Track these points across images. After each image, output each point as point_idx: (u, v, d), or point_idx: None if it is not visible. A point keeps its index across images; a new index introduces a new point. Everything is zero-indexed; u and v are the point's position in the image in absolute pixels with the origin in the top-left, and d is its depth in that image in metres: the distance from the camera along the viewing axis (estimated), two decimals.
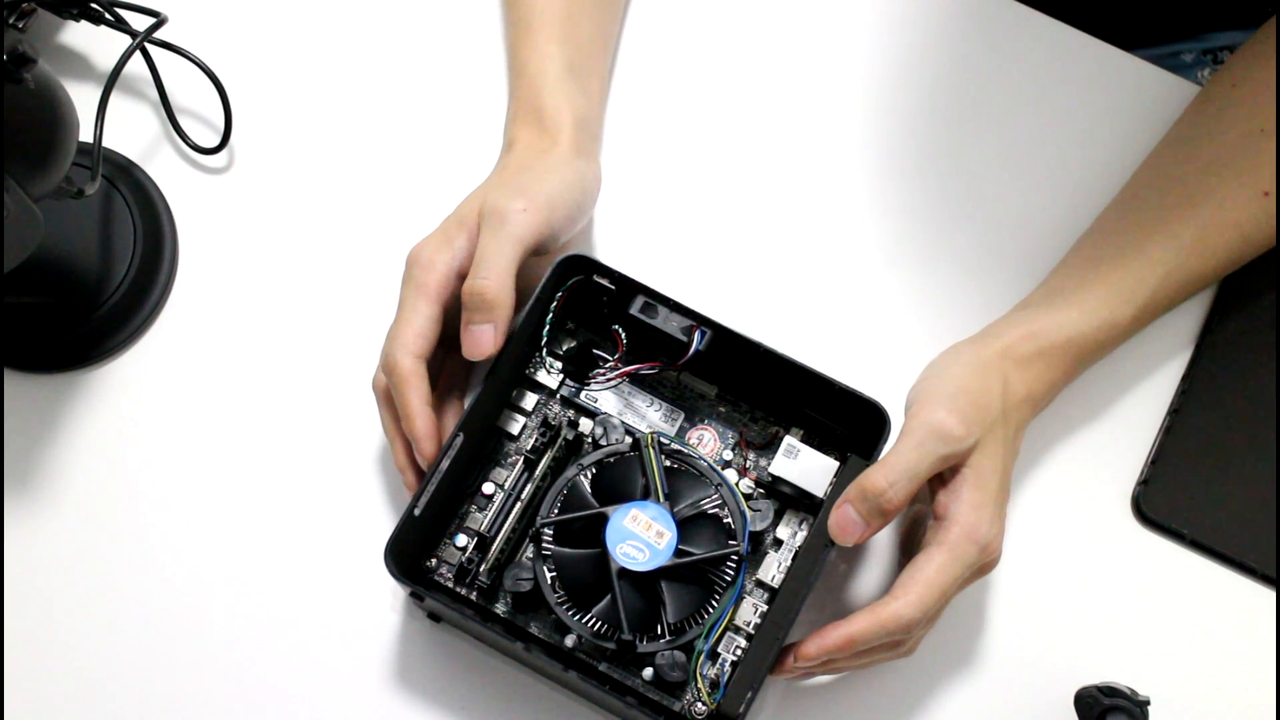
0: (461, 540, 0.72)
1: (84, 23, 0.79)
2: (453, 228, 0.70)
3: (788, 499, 0.72)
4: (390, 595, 0.73)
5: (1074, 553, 0.74)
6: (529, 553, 0.71)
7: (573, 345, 0.74)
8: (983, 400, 0.66)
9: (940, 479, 0.66)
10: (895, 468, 0.64)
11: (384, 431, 0.70)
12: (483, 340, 0.67)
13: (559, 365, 0.74)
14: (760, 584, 0.71)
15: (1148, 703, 0.66)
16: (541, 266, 0.70)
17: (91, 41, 0.82)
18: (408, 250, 0.70)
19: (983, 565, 0.66)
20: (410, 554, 0.70)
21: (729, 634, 0.70)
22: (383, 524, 0.74)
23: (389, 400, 0.69)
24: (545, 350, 0.73)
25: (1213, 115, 0.76)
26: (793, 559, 0.71)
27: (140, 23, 0.79)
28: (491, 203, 0.68)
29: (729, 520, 0.70)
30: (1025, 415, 0.69)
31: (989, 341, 0.70)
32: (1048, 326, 0.70)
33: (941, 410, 0.65)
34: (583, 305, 0.73)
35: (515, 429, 0.73)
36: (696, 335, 0.70)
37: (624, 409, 0.74)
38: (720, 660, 0.70)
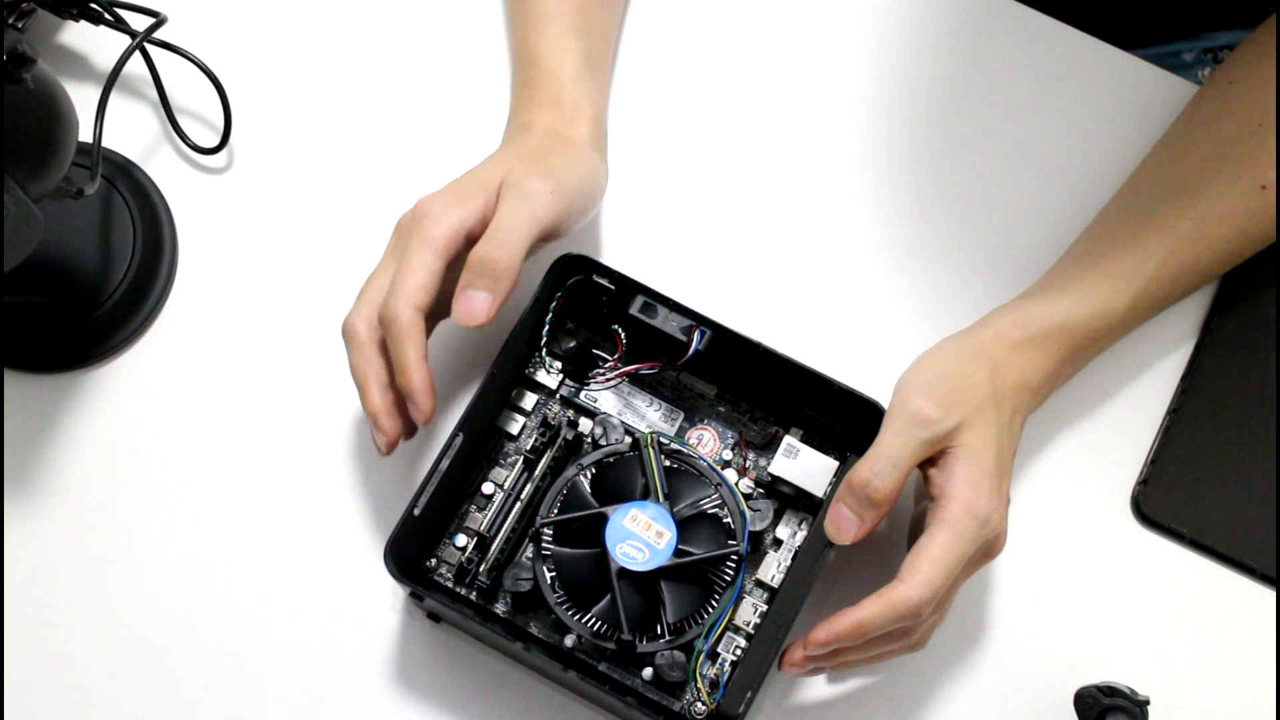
0: (461, 540, 0.72)
1: (83, 23, 0.79)
2: (469, 188, 0.68)
3: (787, 499, 0.72)
4: (390, 595, 0.73)
5: (1074, 552, 0.74)
6: (529, 553, 0.71)
7: (572, 345, 0.74)
8: (963, 384, 0.66)
9: (933, 463, 0.66)
10: (878, 457, 0.64)
11: (353, 375, 0.67)
12: (478, 306, 0.65)
13: (558, 365, 0.74)
14: (760, 584, 0.71)
15: (1147, 702, 0.66)
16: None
17: (91, 41, 0.82)
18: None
19: (988, 546, 0.66)
20: (410, 554, 0.70)
21: (729, 634, 0.70)
22: (383, 524, 0.74)
23: (366, 344, 0.67)
24: (545, 350, 0.73)
25: (1210, 111, 0.76)
26: (792, 559, 0.71)
27: (140, 23, 0.78)
28: (518, 177, 0.67)
29: (729, 520, 0.70)
30: (1021, 400, 0.69)
31: (976, 330, 0.70)
32: (1039, 313, 0.70)
33: (918, 398, 0.65)
34: (582, 305, 0.73)
35: (515, 429, 0.73)
36: (696, 335, 0.70)
37: (623, 409, 0.74)
38: (720, 660, 0.70)
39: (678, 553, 0.68)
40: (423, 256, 0.66)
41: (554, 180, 0.67)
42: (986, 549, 0.66)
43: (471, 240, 0.67)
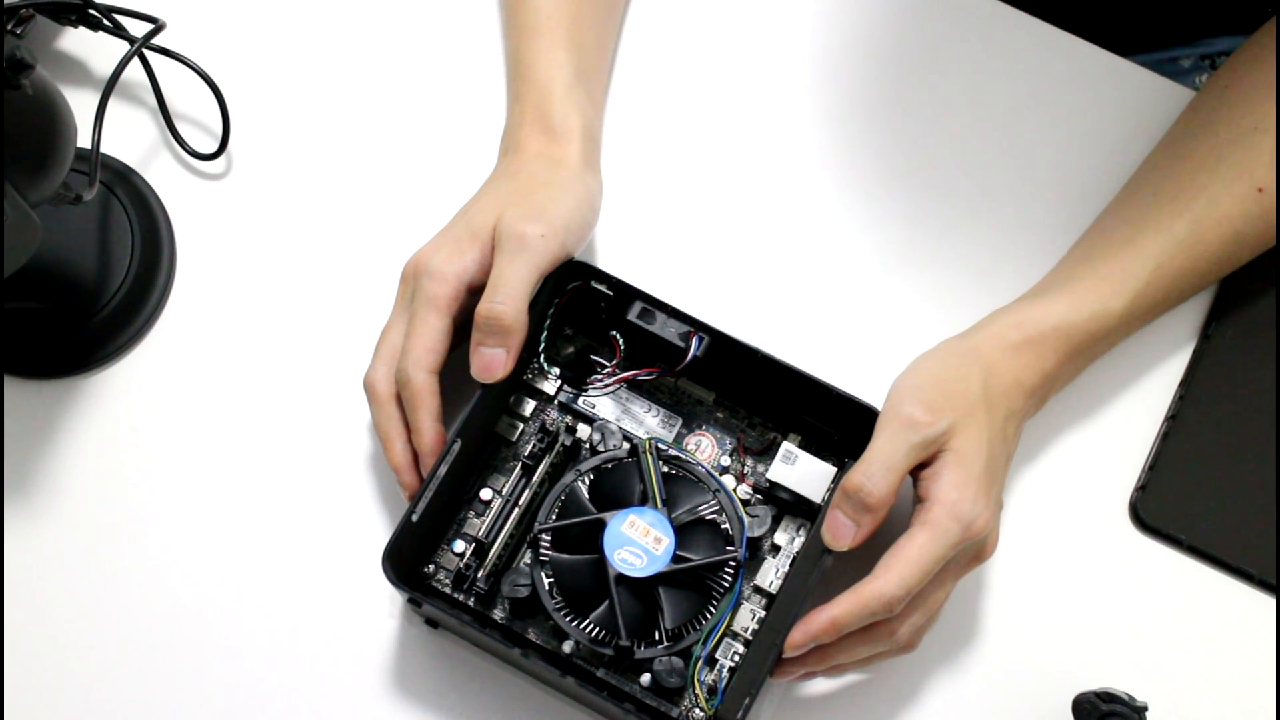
0: (459, 546, 0.72)
1: (82, 29, 0.79)
2: (464, 239, 0.69)
3: (785, 505, 0.72)
4: (388, 601, 0.73)
5: (1072, 559, 0.74)
6: (527, 559, 0.71)
7: (571, 351, 0.74)
8: (953, 388, 0.67)
9: (924, 466, 0.66)
10: (870, 462, 0.65)
11: (376, 430, 0.70)
12: (494, 364, 0.67)
13: (557, 371, 0.74)
14: (758, 590, 0.71)
15: (1145, 709, 0.66)
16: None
17: (89, 47, 0.82)
18: (406, 255, 0.70)
19: (977, 549, 0.66)
20: (408, 560, 0.70)
21: (727, 640, 0.70)
22: (381, 530, 0.74)
23: (386, 401, 0.69)
24: (543, 356, 0.73)
25: (1206, 116, 0.76)
26: (790, 565, 0.71)
27: (138, 29, 0.79)
28: (510, 224, 0.68)
29: (726, 526, 0.70)
30: (1016, 403, 0.69)
31: (973, 334, 0.71)
32: (1035, 315, 0.71)
33: (908, 402, 0.66)
34: (581, 311, 0.73)
35: (513, 435, 0.73)
36: (694, 341, 0.70)
37: (622, 415, 0.74)
38: (718, 666, 0.70)
39: (676, 559, 0.68)
40: (428, 319, 0.68)
41: (544, 221, 0.68)
42: (975, 552, 0.67)
43: (473, 289, 0.69)
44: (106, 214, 0.78)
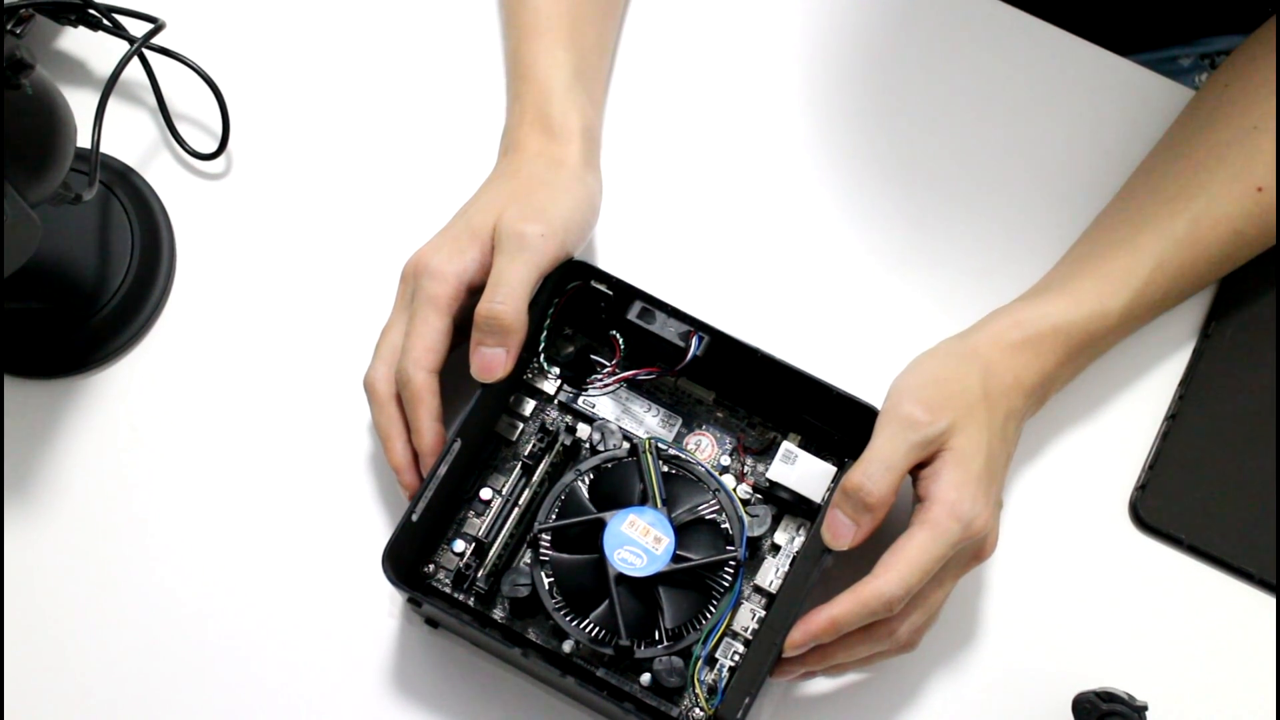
0: (459, 546, 0.72)
1: (82, 28, 0.79)
2: (464, 239, 0.69)
3: (785, 504, 0.72)
4: (388, 601, 0.73)
5: (1072, 558, 0.74)
6: (526, 558, 0.71)
7: (570, 350, 0.74)
8: (953, 387, 0.67)
9: (924, 466, 0.66)
10: (870, 461, 0.65)
11: (377, 429, 0.70)
12: (494, 364, 0.67)
13: (557, 371, 0.74)
14: (758, 589, 0.71)
15: (1145, 708, 0.66)
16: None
17: (89, 47, 0.82)
18: (405, 255, 0.70)
19: (976, 548, 0.67)
20: (408, 560, 0.70)
21: (727, 639, 0.70)
22: (381, 530, 0.74)
23: (386, 401, 0.69)
24: (543, 356, 0.73)
25: (1206, 115, 0.76)
26: (790, 564, 0.71)
27: (138, 28, 0.79)
28: (510, 224, 0.68)
29: (726, 526, 0.70)
30: (1015, 402, 0.69)
31: (972, 333, 0.71)
32: (1034, 315, 0.71)
33: (908, 401, 0.66)
34: (580, 311, 0.73)
35: (513, 435, 0.73)
36: (694, 340, 0.70)
37: (622, 414, 0.74)
38: (718, 666, 0.70)
39: (676, 558, 0.68)
40: (429, 318, 0.68)
41: (545, 221, 0.69)
42: (975, 551, 0.67)
43: (473, 289, 0.69)
44: (106, 214, 0.78)
